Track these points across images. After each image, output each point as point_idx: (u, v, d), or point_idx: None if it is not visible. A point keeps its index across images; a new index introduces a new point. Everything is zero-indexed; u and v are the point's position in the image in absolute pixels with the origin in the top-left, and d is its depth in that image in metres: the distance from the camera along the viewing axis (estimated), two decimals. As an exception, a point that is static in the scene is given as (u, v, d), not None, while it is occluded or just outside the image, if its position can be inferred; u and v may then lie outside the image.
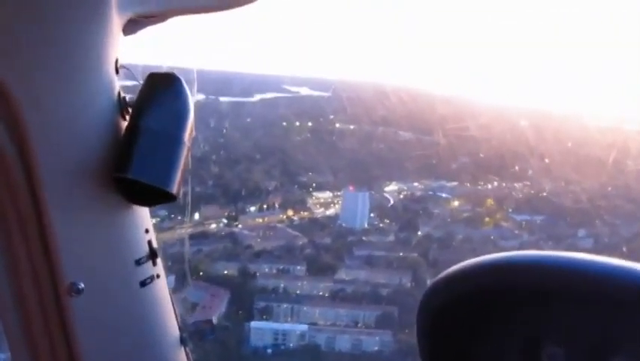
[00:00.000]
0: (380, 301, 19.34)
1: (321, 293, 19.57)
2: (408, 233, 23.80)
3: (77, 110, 1.15)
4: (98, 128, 1.17)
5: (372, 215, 24.70)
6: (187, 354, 1.36)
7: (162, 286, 1.30)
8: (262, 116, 30.82)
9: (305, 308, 18.41)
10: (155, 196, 1.20)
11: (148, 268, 1.26)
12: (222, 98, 32.77)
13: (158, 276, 1.28)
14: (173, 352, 1.32)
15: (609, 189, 24.08)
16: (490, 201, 24.72)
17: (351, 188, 24.74)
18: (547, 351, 1.02)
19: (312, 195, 25.82)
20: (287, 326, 17.57)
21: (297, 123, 31.37)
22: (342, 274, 20.41)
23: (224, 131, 28.34)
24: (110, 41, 1.17)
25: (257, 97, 33.60)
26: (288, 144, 28.86)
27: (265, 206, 24.84)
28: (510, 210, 24.47)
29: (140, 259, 1.25)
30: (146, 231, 1.27)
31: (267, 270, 20.28)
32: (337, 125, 31.44)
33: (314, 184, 26.36)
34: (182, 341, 1.34)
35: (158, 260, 1.28)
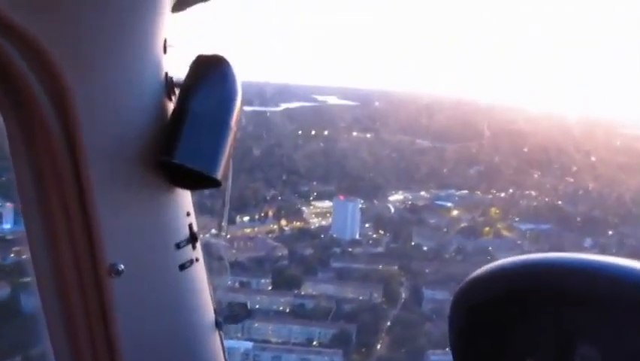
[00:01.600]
0: (340, 318, 16.86)
1: (280, 308, 17.34)
2: (400, 244, 21.16)
3: (124, 88, 1.12)
4: (143, 108, 1.15)
5: (367, 225, 22.26)
6: (221, 337, 1.32)
7: (200, 270, 1.27)
8: (281, 124, 29.20)
9: (256, 325, 16.26)
10: (199, 180, 1.16)
11: (187, 252, 1.25)
12: (246, 108, 31.47)
13: (197, 260, 1.26)
14: (209, 335, 1.31)
15: (627, 197, 20.83)
16: (494, 210, 21.57)
17: (341, 197, 22.37)
18: (582, 351, 0.96)
19: (311, 205, 23.70)
20: (231, 342, 15.40)
21: (313, 132, 29.40)
22: (309, 289, 18.09)
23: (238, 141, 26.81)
24: (159, 19, 1.13)
25: (282, 106, 32.09)
26: (298, 152, 26.97)
27: (258, 216, 22.93)
28: (517, 219, 21.32)
29: (180, 242, 1.23)
30: (187, 214, 1.25)
31: (229, 283, 18.19)
32: (354, 133, 29.19)
33: (315, 193, 24.23)
34: (218, 325, 1.32)
35: (198, 244, 1.25)
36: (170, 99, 1.15)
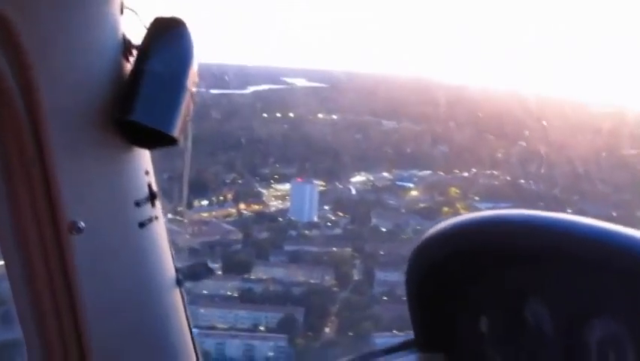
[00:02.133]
0: (287, 302, 16.14)
1: (228, 293, 16.63)
2: (357, 226, 20.45)
3: (81, 50, 1.14)
4: (101, 68, 1.17)
5: (327, 207, 21.51)
6: (182, 294, 1.37)
7: (160, 228, 1.33)
8: (246, 107, 28.42)
9: (202, 310, 15.55)
10: (157, 139, 1.21)
11: (147, 210, 1.30)
12: (213, 91, 30.64)
13: (156, 218, 1.31)
14: (170, 292, 1.36)
15: (594, 173, 20.18)
16: (454, 190, 20.82)
17: (298, 179, 21.60)
18: (531, 307, 0.99)
19: (272, 188, 22.93)
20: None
21: (278, 115, 28.60)
22: (260, 273, 17.37)
23: (195, 122, 26.08)
24: None
25: (250, 89, 31.29)
26: (261, 135, 26.18)
27: (217, 200, 22.15)
28: (476, 198, 20.60)
29: (140, 200, 1.28)
30: (146, 173, 1.31)
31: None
32: (320, 115, 28.39)
33: (276, 176, 23.44)
34: (178, 282, 1.37)
35: (157, 202, 1.30)
36: (128, 60, 1.19)
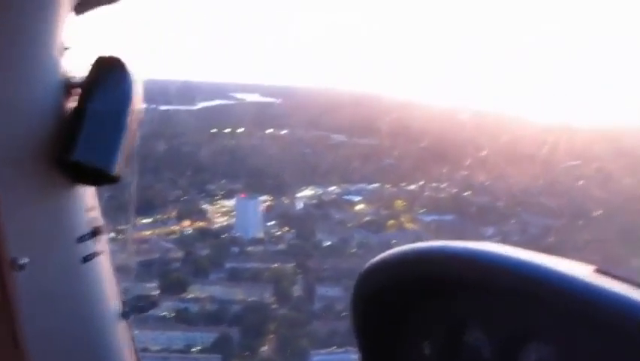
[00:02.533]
0: (223, 321, 15.37)
1: (163, 314, 15.85)
2: (302, 241, 19.84)
3: (21, 88, 1.08)
4: (43, 106, 1.13)
5: (272, 223, 20.89)
6: (128, 327, 1.34)
7: (105, 263, 1.26)
8: (194, 123, 27.79)
9: (135, 333, 14.67)
10: (98, 177, 1.17)
11: (90, 245, 1.23)
12: (162, 107, 29.92)
13: (100, 253, 1.24)
14: (115, 325, 1.30)
15: (535, 186, 19.97)
16: (399, 203, 20.39)
17: (242, 195, 20.96)
18: (471, 333, 0.96)
19: (217, 204, 22.24)
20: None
21: (227, 130, 28.00)
22: (197, 291, 16.62)
23: (141, 140, 25.33)
24: (57, 20, 1.09)
25: (199, 105, 30.69)
26: (207, 151, 25.53)
27: (161, 217, 21.38)
28: (421, 211, 20.18)
29: (83, 236, 1.22)
30: (90, 209, 1.24)
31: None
32: (269, 130, 27.87)
33: (222, 192, 22.77)
34: (124, 315, 1.32)
35: (103, 237, 1.24)
36: (70, 99, 1.13)
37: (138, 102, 1.16)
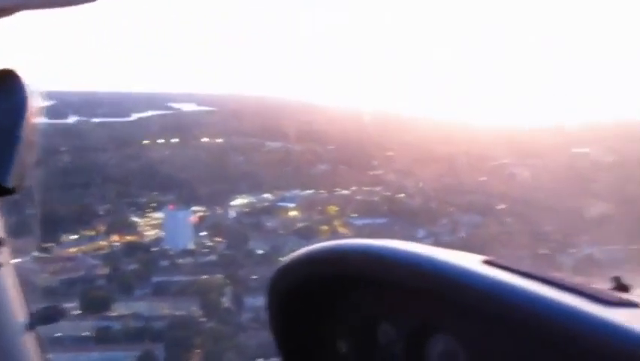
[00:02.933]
0: (147, 338, 14.52)
1: (84, 334, 14.90)
2: (234, 251, 19.13)
3: None
4: None
5: (204, 233, 20.13)
6: (36, 338, 1.28)
7: (7, 274, 1.23)
8: (127, 135, 26.83)
9: (51, 356, 13.73)
10: None
11: None
12: (94, 120, 28.88)
13: (2, 264, 1.22)
14: (21, 337, 1.26)
15: (462, 187, 19.77)
16: (332, 208, 19.89)
17: (171, 207, 20.14)
18: (382, 328, 0.98)
19: (148, 217, 21.37)
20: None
21: (161, 140, 27.14)
22: (122, 309, 15.72)
23: (72, 154, 24.32)
24: None
25: (134, 116, 29.73)
26: (139, 163, 24.62)
27: (88, 233, 20.39)
28: (354, 215, 19.71)
29: None
30: None
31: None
32: (204, 139, 27.12)
33: (153, 204, 21.90)
34: (30, 326, 1.28)
35: (4, 249, 1.21)
36: None
37: (35, 114, 1.11)
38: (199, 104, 31.21)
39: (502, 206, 19.17)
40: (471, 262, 0.88)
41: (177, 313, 15.42)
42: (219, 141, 26.11)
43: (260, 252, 18.30)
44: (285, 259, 1.12)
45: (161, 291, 16.23)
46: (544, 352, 0.75)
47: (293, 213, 19.05)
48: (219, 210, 21.37)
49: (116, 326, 14.87)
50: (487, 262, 0.87)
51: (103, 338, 14.55)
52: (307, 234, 18.56)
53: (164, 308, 15.43)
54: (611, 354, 0.68)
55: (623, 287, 0.88)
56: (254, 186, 22.73)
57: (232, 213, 20.55)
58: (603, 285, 0.86)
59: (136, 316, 15.12)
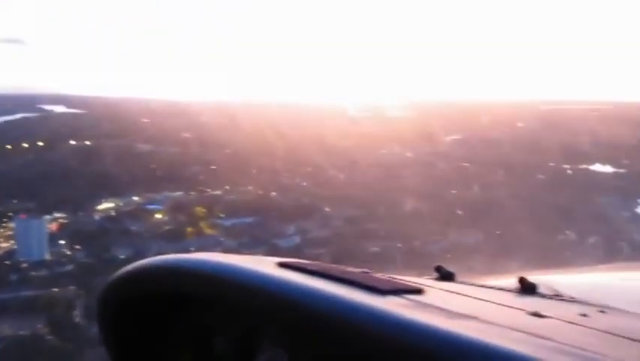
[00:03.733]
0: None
1: None
2: (95, 259, 17.53)
3: None
4: None
5: (63, 242, 18.38)
6: None
7: None
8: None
9: None
10: None
11: None
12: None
13: None
14: None
15: (337, 182, 19.00)
16: (200, 210, 18.62)
17: (22, 216, 18.24)
18: (217, 341, 0.96)
19: (4, 227, 19.36)
20: None
21: (25, 145, 24.95)
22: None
23: None
24: None
25: (1, 119, 27.30)
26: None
27: None
28: (222, 215, 18.52)
29: None
30: None
31: None
32: (72, 142, 25.15)
33: (10, 214, 19.88)
34: None
35: None
36: None
37: None
38: (68, 107, 29.15)
39: (377, 198, 18.46)
40: (264, 266, 0.85)
41: (21, 332, 13.68)
42: (88, 143, 24.25)
43: (123, 257, 16.74)
44: (115, 273, 1.01)
45: (3, 309, 14.40)
46: (334, 346, 0.73)
47: (158, 216, 17.59)
48: (83, 216, 19.59)
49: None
50: (281, 265, 0.86)
51: None
52: (173, 237, 17.21)
53: (5, 329, 13.65)
54: (376, 342, 0.67)
55: (447, 276, 0.89)
56: (123, 190, 21.07)
57: (96, 219, 18.83)
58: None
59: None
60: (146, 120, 23.37)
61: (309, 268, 0.84)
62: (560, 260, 14.69)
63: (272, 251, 16.22)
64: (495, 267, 13.21)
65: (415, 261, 14.04)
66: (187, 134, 22.61)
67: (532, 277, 0.92)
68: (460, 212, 16.73)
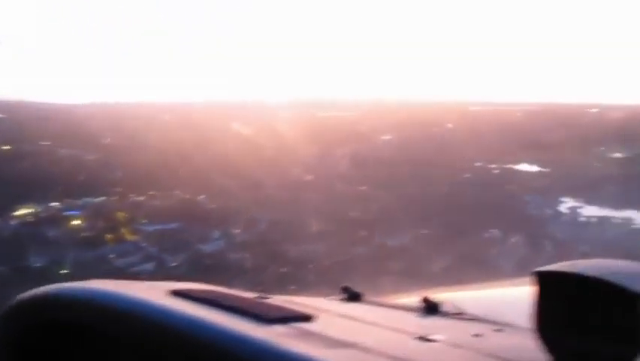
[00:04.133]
0: None
1: None
2: (7, 268, 16.55)
3: None
4: None
5: (-27, 251, 17.26)
6: None
7: None
8: None
9: None
10: None
11: None
12: None
13: None
14: None
15: (267, 183, 18.45)
16: (121, 215, 17.84)
17: None
18: None
19: None
20: None
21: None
22: None
23: None
24: None
25: None
26: None
27: None
28: (144, 221, 17.80)
29: None
30: None
31: None
32: (-12, 147, 23.92)
33: None
34: None
35: None
36: None
37: None
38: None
39: (303, 198, 18.07)
40: (153, 293, 0.82)
41: None
42: (6, 148, 23.04)
43: (37, 265, 15.83)
44: (21, 296, 0.96)
45: None
46: None
47: (76, 223, 16.70)
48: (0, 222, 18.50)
49: None
50: (174, 293, 0.82)
51: None
52: (91, 243, 16.40)
53: None
54: None
55: (354, 296, 0.86)
56: (42, 195, 20.04)
57: (12, 225, 17.78)
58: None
59: None
60: (68, 125, 22.47)
61: (201, 296, 0.80)
62: (485, 258, 14.61)
63: (195, 255, 15.81)
64: (420, 264, 13.01)
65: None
66: (108, 139, 21.80)
67: (442, 294, 0.89)
68: (387, 211, 16.52)
